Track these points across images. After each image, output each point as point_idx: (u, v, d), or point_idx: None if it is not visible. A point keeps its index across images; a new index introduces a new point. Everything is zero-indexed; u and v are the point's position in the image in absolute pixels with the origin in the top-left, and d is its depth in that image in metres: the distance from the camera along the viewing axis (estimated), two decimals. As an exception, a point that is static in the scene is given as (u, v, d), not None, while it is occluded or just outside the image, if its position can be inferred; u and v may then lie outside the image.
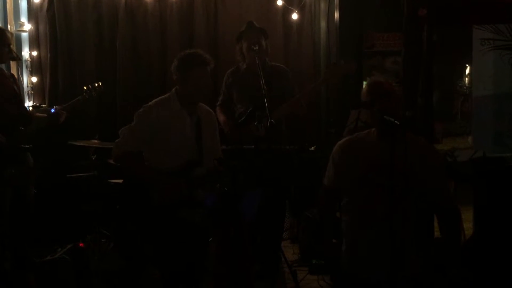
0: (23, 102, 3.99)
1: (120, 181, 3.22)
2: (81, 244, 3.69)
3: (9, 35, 3.84)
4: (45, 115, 3.95)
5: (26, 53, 5.18)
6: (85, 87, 4.10)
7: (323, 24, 5.19)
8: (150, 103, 2.87)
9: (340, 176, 2.45)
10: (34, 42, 5.18)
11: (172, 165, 2.78)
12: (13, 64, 4.92)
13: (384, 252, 2.19)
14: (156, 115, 2.79)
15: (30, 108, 4.97)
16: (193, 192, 2.78)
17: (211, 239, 3.11)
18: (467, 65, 6.76)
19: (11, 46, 3.85)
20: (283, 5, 5.16)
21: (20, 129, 3.65)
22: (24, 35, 5.16)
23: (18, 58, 4.63)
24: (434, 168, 2.38)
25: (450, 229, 2.43)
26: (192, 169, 2.81)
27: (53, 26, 5.13)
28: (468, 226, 4.50)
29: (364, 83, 4.21)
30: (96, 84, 4.13)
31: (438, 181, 2.39)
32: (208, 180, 2.85)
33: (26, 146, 3.68)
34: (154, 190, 2.75)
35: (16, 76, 4.33)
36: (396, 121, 2.15)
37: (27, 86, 5.17)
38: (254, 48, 3.66)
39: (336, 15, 4.81)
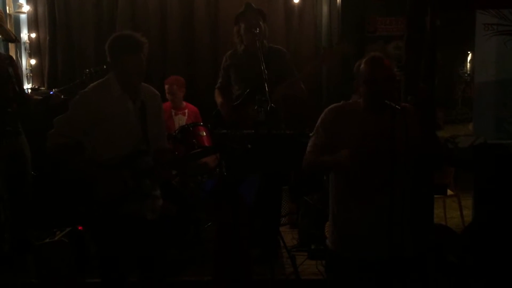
0: (20, 84, 3.96)
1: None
2: (80, 228, 3.68)
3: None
4: (40, 97, 3.93)
5: (25, 35, 5.14)
6: (87, 70, 4.03)
7: (325, 7, 5.14)
8: (86, 89, 2.62)
9: (331, 144, 2.29)
10: (33, 24, 5.14)
11: (115, 155, 2.55)
12: (11, 46, 4.88)
13: (376, 229, 2.18)
14: (94, 102, 2.54)
15: (29, 91, 4.94)
16: (140, 184, 2.58)
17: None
18: (469, 52, 6.70)
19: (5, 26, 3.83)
20: (285, -12, 5.11)
21: (8, 111, 3.62)
22: (23, 16, 5.11)
23: (17, 40, 4.59)
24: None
25: None
26: (138, 159, 2.59)
27: (52, 7, 5.09)
28: (467, 213, 4.51)
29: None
30: (99, 68, 4.05)
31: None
32: (157, 169, 2.64)
33: (13, 129, 3.65)
34: (95, 185, 2.52)
35: (14, 58, 4.30)
36: (397, 106, 2.13)
37: (26, 69, 5.13)
38: (255, 31, 3.62)
39: (338, -2, 4.76)
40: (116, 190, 2.53)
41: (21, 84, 4.02)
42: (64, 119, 2.59)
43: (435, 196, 3.55)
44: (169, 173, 3.33)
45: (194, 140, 3.75)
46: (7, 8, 4.89)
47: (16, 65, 3.90)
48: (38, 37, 5.16)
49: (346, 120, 2.32)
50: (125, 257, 2.63)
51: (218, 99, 3.97)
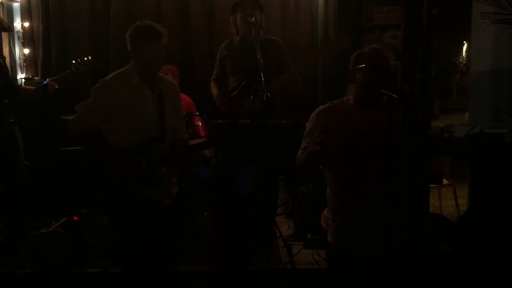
0: (9, 74, 3.93)
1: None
2: (75, 218, 3.67)
3: None
4: (33, 87, 3.91)
5: (18, 24, 5.09)
6: (74, 61, 4.02)
7: (321, -3, 5.11)
8: (107, 78, 2.69)
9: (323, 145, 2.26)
10: (26, 12, 5.09)
11: (133, 142, 2.63)
12: (4, 36, 4.84)
13: (373, 224, 2.18)
14: (114, 90, 2.62)
15: (23, 81, 4.90)
16: (155, 170, 2.66)
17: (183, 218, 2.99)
18: (464, 42, 6.70)
19: None
20: (281, -23, 5.07)
21: (5, 102, 3.60)
22: (16, 5, 5.05)
23: (10, 29, 4.55)
24: None
25: None
26: (153, 146, 2.66)
27: (45, -5, 5.03)
28: (463, 202, 4.53)
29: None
30: (86, 58, 4.04)
31: None
32: (172, 157, 2.71)
33: (11, 120, 3.64)
34: (113, 169, 2.61)
35: (4, 48, 4.27)
36: (394, 95, 2.12)
37: (19, 58, 5.08)
38: (251, 20, 3.59)
39: (335, -13, 4.73)
40: (132, 175, 2.61)
41: (9, 74, 3.99)
42: (84, 106, 2.67)
43: (431, 185, 3.56)
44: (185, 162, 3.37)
45: (189, 130, 3.74)
46: (0, -4, 4.84)
47: (2, 55, 3.88)
48: (31, 26, 5.11)
49: (335, 120, 2.31)
50: (143, 244, 2.66)
51: (214, 90, 3.95)
